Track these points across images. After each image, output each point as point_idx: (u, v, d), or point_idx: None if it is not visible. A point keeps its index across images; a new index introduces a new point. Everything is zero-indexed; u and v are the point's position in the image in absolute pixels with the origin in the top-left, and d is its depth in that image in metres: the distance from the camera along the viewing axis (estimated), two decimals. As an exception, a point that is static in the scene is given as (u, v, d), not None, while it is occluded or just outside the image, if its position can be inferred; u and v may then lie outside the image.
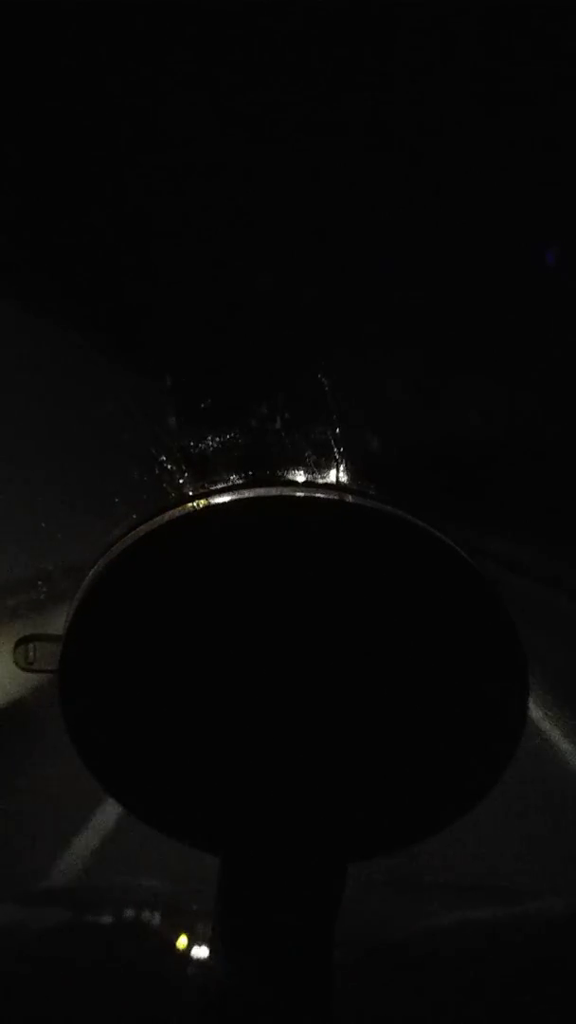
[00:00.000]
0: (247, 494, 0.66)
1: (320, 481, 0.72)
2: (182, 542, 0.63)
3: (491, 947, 1.17)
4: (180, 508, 0.64)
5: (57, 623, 0.66)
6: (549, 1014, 0.98)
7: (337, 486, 0.68)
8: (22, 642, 0.85)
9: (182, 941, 1.25)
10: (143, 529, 0.64)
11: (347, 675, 0.62)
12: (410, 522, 0.63)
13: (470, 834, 0.82)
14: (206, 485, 0.68)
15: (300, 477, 0.72)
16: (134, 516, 0.67)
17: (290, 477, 0.71)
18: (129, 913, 1.38)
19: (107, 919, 1.38)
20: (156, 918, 1.37)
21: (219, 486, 0.67)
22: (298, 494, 0.68)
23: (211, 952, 0.65)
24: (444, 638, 0.63)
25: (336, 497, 0.65)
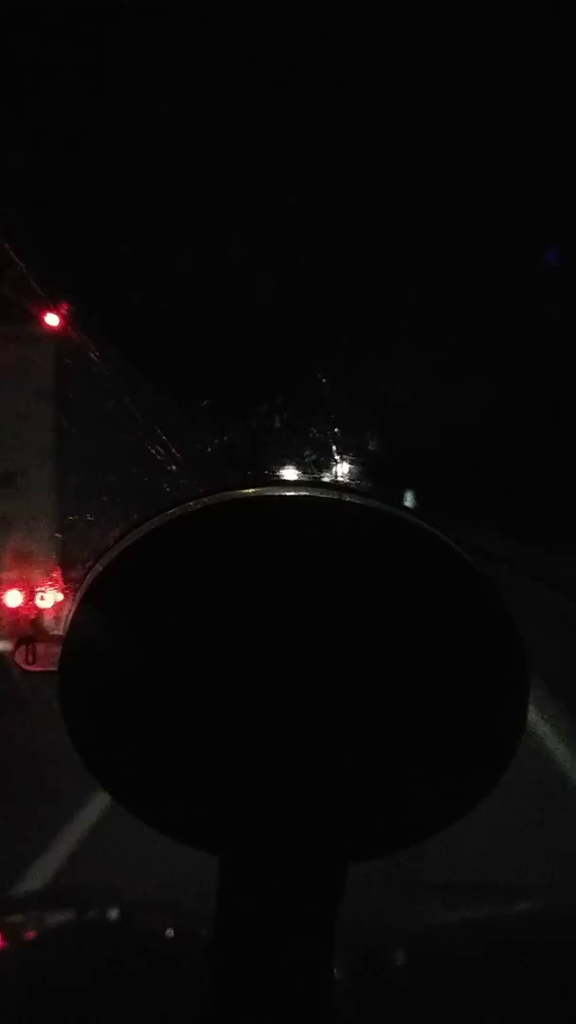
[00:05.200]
0: (247, 493, 0.66)
1: (319, 480, 0.72)
2: (182, 542, 0.63)
3: (491, 947, 1.17)
4: (179, 507, 0.64)
5: (57, 623, 0.66)
6: (549, 1013, 0.98)
7: (336, 485, 0.68)
8: (22, 642, 0.85)
9: (181, 941, 1.25)
10: (143, 529, 0.64)
11: (347, 675, 0.62)
12: (410, 522, 0.63)
13: (470, 834, 0.82)
14: (206, 485, 0.68)
15: (299, 476, 0.72)
16: (134, 516, 0.67)
17: (290, 476, 0.72)
18: (126, 912, 1.38)
19: (104, 919, 1.38)
20: (154, 918, 1.37)
21: (218, 485, 0.67)
22: (297, 493, 0.68)
23: (211, 952, 0.65)
24: (444, 638, 0.62)
25: (335, 496, 0.65)
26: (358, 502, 0.64)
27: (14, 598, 5.18)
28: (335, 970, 0.66)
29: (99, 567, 0.64)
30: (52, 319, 5.27)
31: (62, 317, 5.29)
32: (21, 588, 5.16)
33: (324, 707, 0.62)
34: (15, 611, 5.07)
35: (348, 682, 0.62)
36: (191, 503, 0.65)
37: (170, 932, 1.31)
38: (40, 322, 5.26)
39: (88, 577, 0.65)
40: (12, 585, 5.18)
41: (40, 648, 0.83)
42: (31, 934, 1.32)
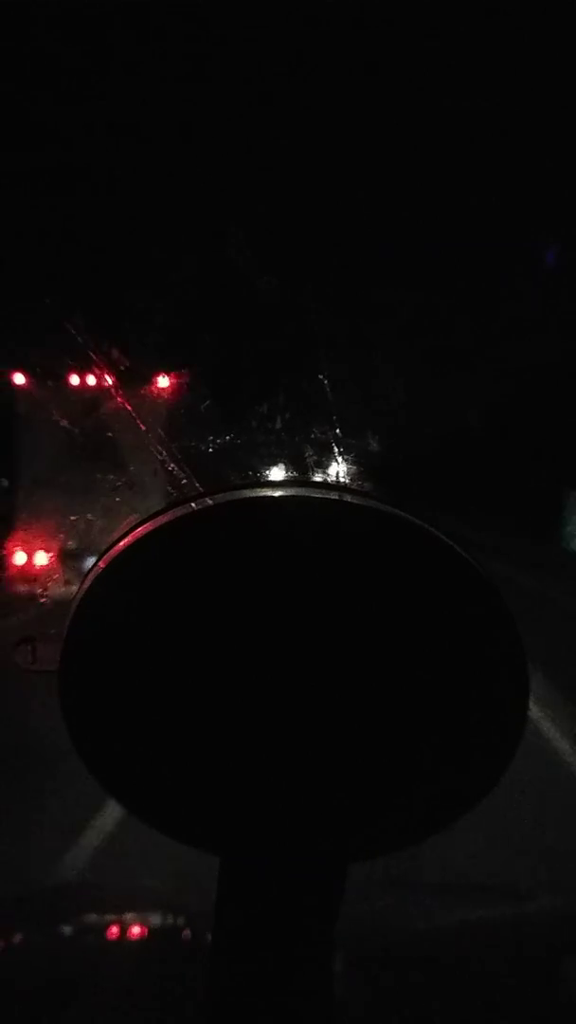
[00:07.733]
0: (247, 494, 0.66)
1: (320, 481, 0.72)
2: (182, 542, 0.63)
3: (491, 947, 1.17)
4: (180, 508, 0.64)
5: (57, 623, 0.66)
6: (549, 1013, 0.98)
7: (337, 486, 0.68)
8: (22, 642, 0.85)
9: (182, 941, 1.25)
10: (143, 529, 0.64)
11: (347, 675, 0.62)
12: (410, 522, 0.63)
13: (470, 834, 0.82)
14: (206, 485, 0.68)
15: (300, 477, 0.72)
16: (134, 516, 0.67)
17: (290, 477, 0.72)
18: (129, 913, 1.38)
19: (107, 919, 1.38)
20: (156, 918, 1.37)
21: (219, 486, 0.67)
22: (298, 494, 0.68)
23: (212, 952, 0.65)
24: (444, 638, 0.62)
25: (336, 497, 0.65)
26: (358, 502, 0.64)
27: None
28: (335, 970, 0.66)
29: (100, 567, 0.64)
30: (164, 381, 6.87)
31: (172, 379, 6.87)
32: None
33: (325, 708, 0.62)
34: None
35: (349, 682, 0.62)
36: (192, 503, 0.65)
37: (170, 932, 1.31)
38: (155, 384, 6.83)
39: (89, 577, 0.65)
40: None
41: (40, 648, 0.83)
42: (33, 934, 1.32)
